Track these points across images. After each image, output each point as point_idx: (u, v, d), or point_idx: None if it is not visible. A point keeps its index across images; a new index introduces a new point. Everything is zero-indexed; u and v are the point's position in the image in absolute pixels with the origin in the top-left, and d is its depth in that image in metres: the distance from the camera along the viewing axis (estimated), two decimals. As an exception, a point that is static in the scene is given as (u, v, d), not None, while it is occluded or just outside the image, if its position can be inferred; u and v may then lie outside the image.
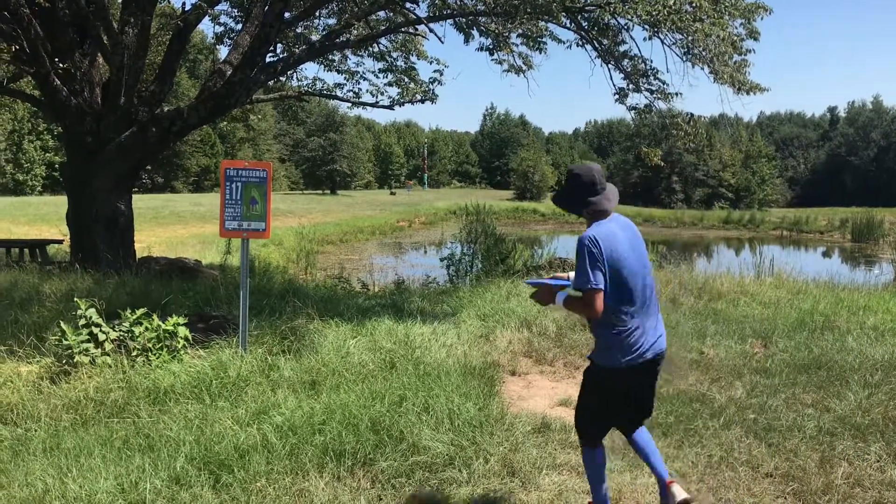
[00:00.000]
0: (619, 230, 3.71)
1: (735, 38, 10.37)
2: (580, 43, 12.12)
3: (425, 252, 32.14)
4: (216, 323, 7.24)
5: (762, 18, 10.67)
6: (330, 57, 14.43)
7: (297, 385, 5.70)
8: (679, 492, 3.67)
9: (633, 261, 3.63)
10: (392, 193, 75.00)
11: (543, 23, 12.37)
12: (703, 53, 9.98)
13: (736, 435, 5.02)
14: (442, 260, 14.40)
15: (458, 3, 12.36)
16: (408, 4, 12.31)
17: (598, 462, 3.77)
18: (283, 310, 7.94)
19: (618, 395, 3.68)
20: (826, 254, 33.82)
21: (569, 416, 5.51)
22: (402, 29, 13.30)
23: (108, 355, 5.88)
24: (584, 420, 3.78)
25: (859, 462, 4.60)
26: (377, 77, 14.79)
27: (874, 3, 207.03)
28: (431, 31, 11.77)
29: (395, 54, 14.64)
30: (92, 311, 6.01)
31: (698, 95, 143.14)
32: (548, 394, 6.17)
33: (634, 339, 3.57)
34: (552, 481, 4.30)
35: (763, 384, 6.13)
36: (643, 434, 3.85)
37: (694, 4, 9.27)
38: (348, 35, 12.79)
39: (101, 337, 5.96)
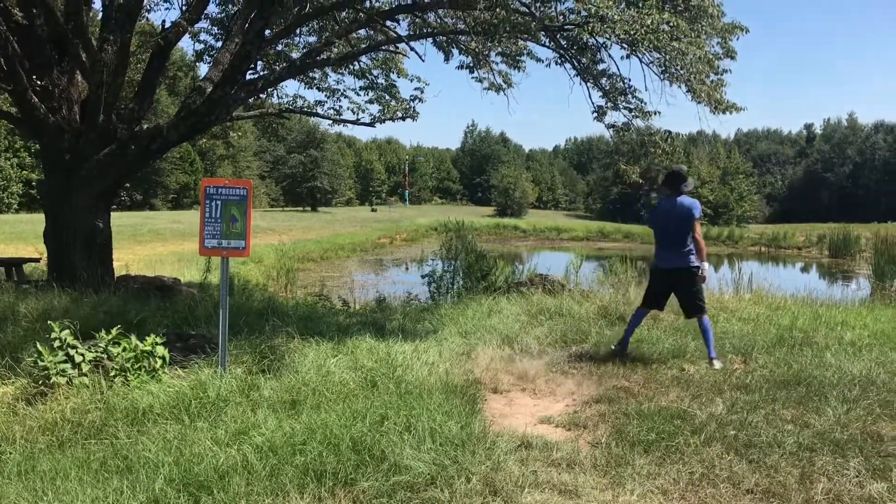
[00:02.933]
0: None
1: (711, 56, 10.52)
2: (559, 61, 12.24)
3: (406, 269, 32.08)
4: (195, 342, 7.18)
5: (738, 38, 10.85)
6: (311, 74, 14.46)
7: (278, 405, 5.66)
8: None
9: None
10: (373, 210, 75.02)
11: (523, 41, 12.49)
12: (681, 72, 10.11)
13: (717, 451, 5.04)
14: (423, 277, 14.39)
15: (439, 21, 12.45)
16: (388, 23, 12.39)
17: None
18: (263, 328, 7.89)
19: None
20: (804, 269, 34.21)
21: (550, 433, 5.52)
22: (383, 47, 13.37)
23: (86, 376, 5.81)
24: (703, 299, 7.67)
25: (839, 477, 4.64)
26: (358, 94, 14.87)
27: (847, 25, 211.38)
28: (412, 49, 11.84)
29: (375, 72, 14.71)
30: (66, 332, 5.94)
31: (676, 113, 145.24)
32: (529, 411, 6.17)
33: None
34: (534, 500, 4.29)
35: (743, 400, 6.18)
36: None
37: (671, 24, 9.41)
38: (329, 53, 12.84)
39: (78, 358, 5.88)
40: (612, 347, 7.99)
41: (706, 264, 7.71)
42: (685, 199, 7.66)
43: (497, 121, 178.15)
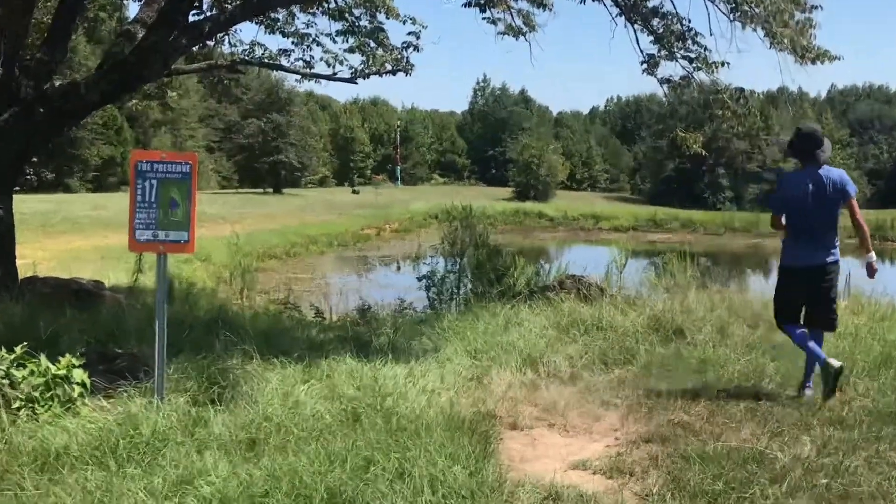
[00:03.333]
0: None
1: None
2: (597, -4, 12.20)
3: (398, 268, 32.09)
4: (123, 364, 7.19)
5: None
6: (273, 15, 14.44)
7: (231, 445, 5.67)
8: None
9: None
10: (355, 192, 75.01)
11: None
12: (756, 10, 10.10)
13: (803, 505, 5.04)
14: (420, 279, 14.40)
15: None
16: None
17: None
18: (212, 346, 7.90)
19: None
20: (918, 268, 34.17)
21: (586, 482, 5.52)
22: (368, -22, 13.38)
23: (-19, 408, 5.82)
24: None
25: (962, 539, 4.64)
26: (334, 41, 14.86)
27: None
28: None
29: (357, 11, 14.68)
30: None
31: (750, 65, 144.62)
32: (559, 453, 6.18)
33: None
34: (566, 568, 4.30)
35: (838, 439, 6.17)
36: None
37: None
38: (297, -14, 12.84)
39: (-29, 384, 5.89)
40: (802, 392, 7.40)
41: (873, 255, 7.45)
42: (832, 171, 7.29)
43: (516, 75, 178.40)
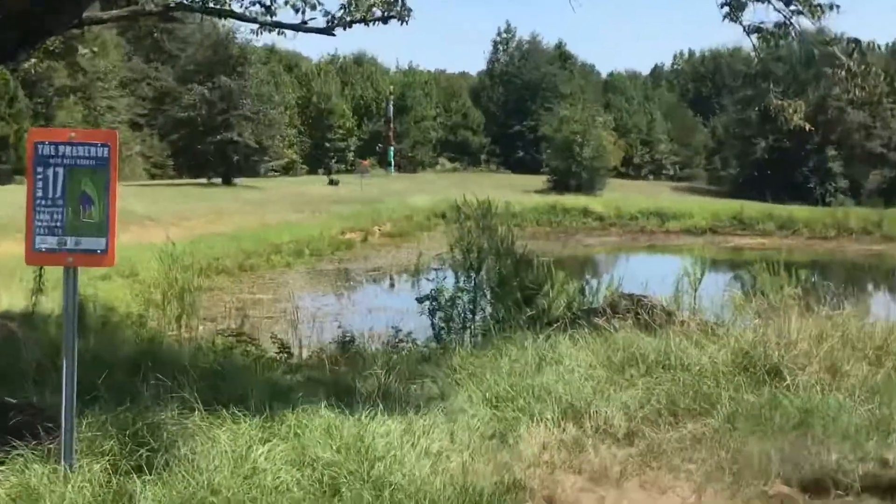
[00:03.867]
0: None
1: None
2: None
3: (392, 286, 32.05)
4: (19, 419, 7.19)
5: None
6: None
7: (166, 528, 5.67)
8: None
9: None
10: (332, 183, 75.02)
11: None
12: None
13: None
14: (421, 301, 14.38)
15: None
16: None
17: None
18: (140, 393, 7.90)
19: None
20: None
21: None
22: None
23: None
24: None
25: None
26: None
27: None
28: None
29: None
30: None
31: (870, 8, 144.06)
32: (612, 539, 6.16)
33: None
34: None
35: None
36: None
37: None
38: None
39: None
40: None
41: None
42: None
43: (550, 24, 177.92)
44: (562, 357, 9.99)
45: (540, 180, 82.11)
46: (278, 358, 12.43)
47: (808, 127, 13.11)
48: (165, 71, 74.43)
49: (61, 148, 6.36)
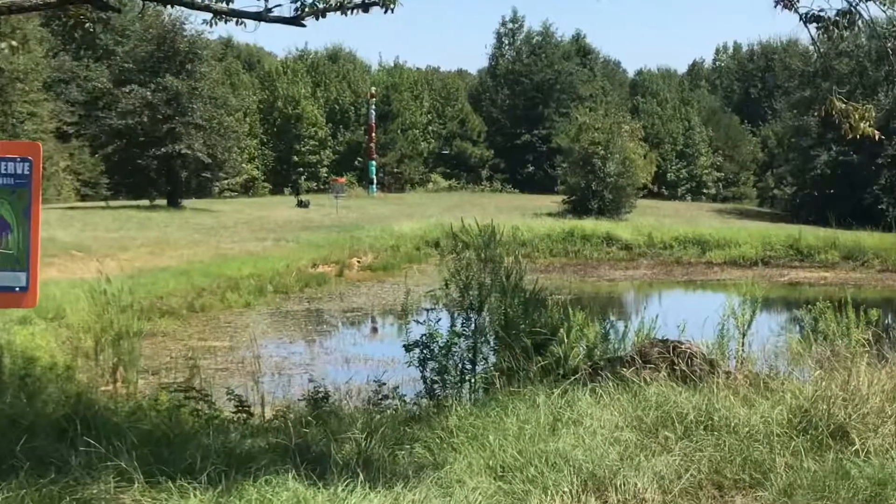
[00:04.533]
0: None
1: None
2: None
3: (374, 331, 31.99)
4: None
5: None
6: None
7: None
8: None
9: None
10: (302, 205, 75.13)
11: None
12: None
13: None
14: (410, 348, 14.35)
15: None
16: None
17: None
18: (66, 462, 7.88)
19: None
20: None
21: None
22: None
23: None
24: None
25: None
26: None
27: None
28: None
29: None
30: None
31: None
32: None
33: None
34: None
35: None
36: None
37: None
38: None
39: None
40: None
41: None
42: None
43: (565, 12, 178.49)
44: (581, 416, 9.99)
45: (554, 201, 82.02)
46: (236, 419, 12.41)
47: (878, 136, 13.14)
48: (99, 70, 74.50)
49: (-28, 163, 6.36)
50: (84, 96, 77.70)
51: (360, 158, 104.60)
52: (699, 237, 57.91)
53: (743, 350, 14.57)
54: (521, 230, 53.32)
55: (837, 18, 12.37)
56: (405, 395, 13.76)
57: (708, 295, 42.64)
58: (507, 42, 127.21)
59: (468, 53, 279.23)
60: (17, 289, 6.40)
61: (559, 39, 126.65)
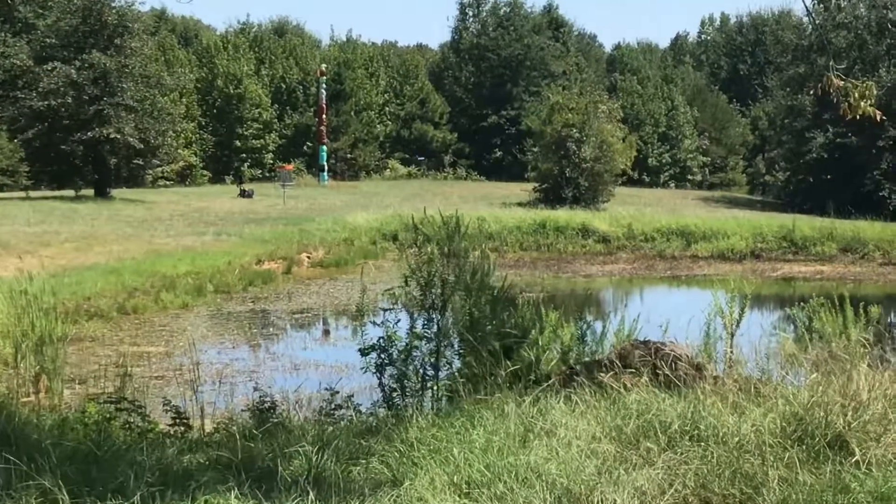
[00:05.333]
0: None
1: None
2: None
3: (326, 333, 31.96)
4: None
5: None
6: None
7: None
8: None
9: None
10: (245, 195, 75.05)
11: None
12: None
13: None
14: (365, 352, 14.35)
15: None
16: None
17: None
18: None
19: None
20: None
21: None
22: None
23: None
24: None
25: None
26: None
27: None
28: None
29: None
30: None
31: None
32: None
33: None
34: None
35: None
36: None
37: None
38: None
39: None
40: None
41: None
42: None
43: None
44: (555, 427, 10.01)
45: (524, 189, 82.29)
46: (172, 432, 12.41)
47: (880, 116, 13.22)
48: (18, 46, 73.90)
49: None
50: (1, 75, 77.03)
51: (309, 143, 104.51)
52: (684, 228, 58.09)
53: (732, 352, 14.64)
54: (488, 221, 53.50)
55: (834, -13, 12.45)
56: (361, 405, 13.79)
57: (693, 291, 42.80)
58: (471, 13, 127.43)
59: (428, 26, 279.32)
60: (-71, 289, 6.38)
61: (529, 11, 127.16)
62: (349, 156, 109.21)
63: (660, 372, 11.95)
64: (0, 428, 9.61)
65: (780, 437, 9.83)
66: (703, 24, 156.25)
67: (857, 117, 13.09)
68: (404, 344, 14.03)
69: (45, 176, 76.98)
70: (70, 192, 70.38)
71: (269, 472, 8.85)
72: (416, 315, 14.57)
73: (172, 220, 55.14)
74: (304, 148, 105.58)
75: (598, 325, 17.45)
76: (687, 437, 9.89)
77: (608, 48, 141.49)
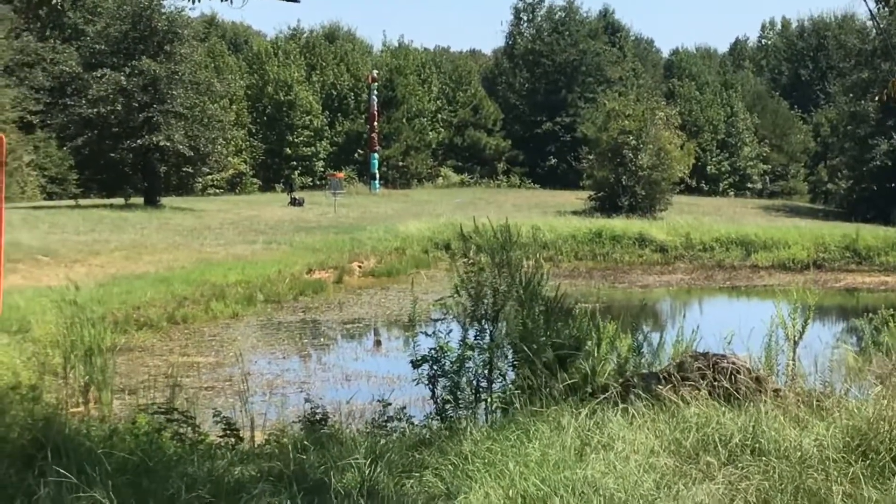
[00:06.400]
0: None
1: None
2: None
3: (378, 344, 31.94)
4: None
5: None
6: None
7: None
8: None
9: None
10: (295, 203, 75.09)
11: None
12: None
13: None
14: (417, 364, 14.33)
15: None
16: None
17: None
18: (33, 492, 7.88)
19: None
20: None
21: None
22: None
23: None
24: None
25: None
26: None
27: None
28: None
29: None
30: None
31: None
32: None
33: None
34: None
35: None
36: None
37: None
38: None
39: None
40: None
41: None
42: None
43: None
44: (612, 440, 9.97)
45: (579, 198, 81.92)
46: (223, 443, 12.41)
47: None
48: (68, 52, 74.26)
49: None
50: (50, 82, 77.22)
51: (360, 151, 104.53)
52: (743, 237, 57.73)
53: (793, 365, 14.54)
54: (541, 230, 53.35)
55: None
56: (413, 417, 13.75)
57: (754, 302, 42.55)
58: (525, 18, 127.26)
59: (482, 32, 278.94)
60: (-25, 298, 6.42)
61: (584, 15, 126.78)
62: (401, 163, 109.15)
63: (719, 385, 11.89)
64: (50, 439, 9.64)
65: (843, 452, 9.76)
66: (763, 28, 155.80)
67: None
68: (456, 355, 13.99)
69: (95, 184, 77.26)
70: (119, 201, 70.59)
71: (321, 484, 8.85)
72: (467, 325, 14.53)
73: (222, 228, 55.29)
74: (356, 155, 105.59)
75: (655, 337, 17.35)
76: (748, 452, 9.83)
77: (665, 53, 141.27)
